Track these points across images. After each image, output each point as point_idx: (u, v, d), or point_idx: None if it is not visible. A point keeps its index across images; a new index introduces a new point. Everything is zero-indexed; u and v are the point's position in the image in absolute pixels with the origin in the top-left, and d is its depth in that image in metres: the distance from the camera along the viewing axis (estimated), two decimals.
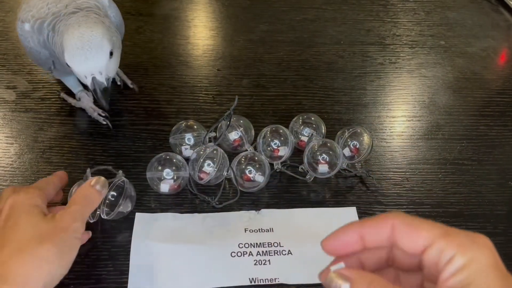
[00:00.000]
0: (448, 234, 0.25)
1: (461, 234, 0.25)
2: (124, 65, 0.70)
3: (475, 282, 0.23)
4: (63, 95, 0.64)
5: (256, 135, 0.57)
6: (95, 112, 0.61)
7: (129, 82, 0.66)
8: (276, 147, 0.56)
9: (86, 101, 0.62)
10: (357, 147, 0.56)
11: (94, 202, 0.43)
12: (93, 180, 0.44)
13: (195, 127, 0.57)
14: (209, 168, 0.52)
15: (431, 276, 0.26)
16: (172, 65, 0.71)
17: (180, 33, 0.78)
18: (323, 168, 0.54)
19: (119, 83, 0.66)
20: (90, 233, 0.47)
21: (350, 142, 0.56)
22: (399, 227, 0.26)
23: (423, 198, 0.55)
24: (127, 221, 0.50)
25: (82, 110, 0.62)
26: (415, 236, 0.25)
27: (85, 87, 0.63)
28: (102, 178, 0.44)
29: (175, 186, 0.52)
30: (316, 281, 0.46)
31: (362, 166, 0.57)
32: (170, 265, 0.46)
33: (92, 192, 0.43)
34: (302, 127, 0.58)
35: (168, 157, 0.52)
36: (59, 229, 0.39)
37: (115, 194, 0.49)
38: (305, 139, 0.58)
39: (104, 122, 0.61)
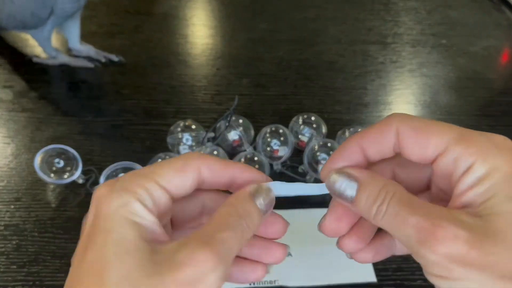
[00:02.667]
0: (464, 138, 0.21)
1: (479, 137, 0.21)
2: (122, 65, 0.69)
3: (499, 194, 0.20)
4: (36, 59, 0.67)
5: (256, 135, 0.57)
6: (79, 61, 0.66)
7: (113, 56, 0.68)
8: (276, 147, 0.55)
9: (64, 56, 0.66)
10: None
11: (251, 228, 0.23)
12: (252, 188, 0.24)
13: (194, 127, 0.56)
14: None
15: (440, 194, 0.23)
16: (171, 64, 0.71)
17: (179, 32, 0.77)
18: None
19: (103, 60, 0.68)
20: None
21: None
22: (405, 133, 0.22)
23: None
24: None
25: (77, 105, 0.62)
26: (424, 143, 0.21)
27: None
28: (266, 186, 0.24)
29: None
30: (316, 283, 0.46)
31: None
32: None
33: (251, 210, 0.23)
34: (302, 127, 0.58)
35: (168, 157, 0.52)
36: (170, 283, 0.19)
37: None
38: (305, 139, 0.57)
39: (92, 65, 0.64)
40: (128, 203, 0.21)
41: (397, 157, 0.24)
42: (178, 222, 0.25)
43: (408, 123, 0.22)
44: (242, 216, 0.22)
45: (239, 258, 0.25)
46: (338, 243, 0.25)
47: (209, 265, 0.19)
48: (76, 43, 0.69)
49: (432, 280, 0.20)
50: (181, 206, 0.25)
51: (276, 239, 0.25)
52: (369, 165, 0.24)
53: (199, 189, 0.24)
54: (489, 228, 0.19)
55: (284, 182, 0.25)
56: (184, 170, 0.23)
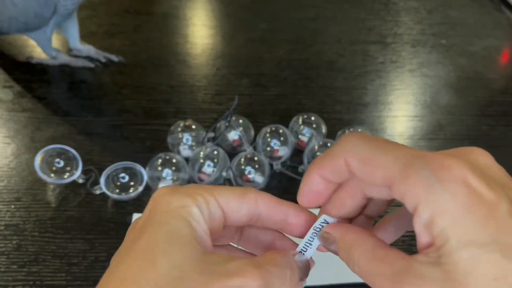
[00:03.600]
0: (407, 173, 0.19)
1: (422, 172, 0.19)
2: (122, 65, 0.69)
3: (450, 240, 0.18)
4: (36, 59, 0.67)
5: (256, 135, 0.57)
6: (79, 61, 0.66)
7: (113, 56, 0.69)
8: (276, 147, 0.55)
9: (64, 56, 0.67)
10: None
11: (290, 283, 0.22)
12: (295, 253, 0.24)
13: (194, 127, 0.56)
14: (209, 168, 0.52)
15: None
16: (170, 64, 0.71)
17: (179, 32, 0.77)
18: None
19: (103, 60, 0.69)
20: None
21: None
22: (352, 165, 0.22)
23: None
24: (125, 222, 0.50)
25: (75, 106, 0.62)
26: (371, 176, 0.21)
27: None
28: (303, 259, 0.24)
29: None
30: (316, 282, 0.46)
31: None
32: None
33: (295, 268, 0.23)
34: (302, 127, 0.58)
35: (168, 157, 0.52)
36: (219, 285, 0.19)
37: (126, 176, 0.51)
38: (305, 139, 0.57)
39: (92, 65, 0.66)
40: (188, 205, 0.22)
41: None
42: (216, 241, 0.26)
43: (356, 154, 0.21)
44: (289, 268, 0.22)
45: None
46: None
47: (255, 284, 0.20)
48: (76, 43, 0.69)
49: None
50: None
51: None
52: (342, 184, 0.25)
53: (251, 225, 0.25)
54: (448, 280, 0.18)
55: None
56: (243, 197, 0.24)
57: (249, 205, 0.24)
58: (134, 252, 0.20)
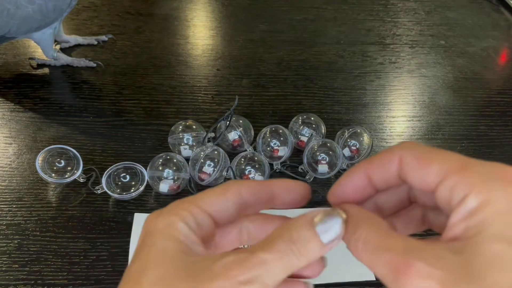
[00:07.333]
0: (464, 167, 0.20)
1: (480, 167, 0.19)
2: (123, 65, 0.70)
3: (486, 231, 0.18)
4: (37, 60, 0.68)
5: (256, 135, 0.57)
6: (81, 61, 0.67)
7: (103, 37, 0.72)
8: (275, 147, 0.55)
9: (65, 57, 0.68)
10: (357, 147, 0.56)
11: (303, 254, 0.21)
12: (318, 215, 0.22)
13: (194, 127, 0.57)
14: (209, 168, 0.52)
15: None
16: (171, 65, 0.71)
17: (180, 33, 0.78)
18: (323, 168, 0.54)
19: (95, 42, 0.72)
20: None
21: (350, 142, 0.56)
22: (407, 160, 0.21)
23: None
24: (126, 222, 0.50)
25: (77, 109, 0.62)
26: (425, 170, 0.21)
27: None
28: (339, 216, 0.22)
29: (175, 187, 0.52)
30: (315, 281, 0.46)
31: None
32: None
33: (308, 236, 0.21)
34: (301, 127, 0.58)
35: (169, 157, 0.52)
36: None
37: (127, 176, 0.51)
38: (304, 139, 0.58)
39: (95, 64, 0.67)
40: (173, 223, 0.22)
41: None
42: (224, 247, 0.26)
43: (411, 151, 0.21)
44: (294, 241, 0.21)
45: None
46: None
47: (241, 279, 0.20)
48: (62, 35, 0.71)
49: None
50: (226, 231, 0.25)
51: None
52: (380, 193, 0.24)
53: (244, 215, 0.25)
54: (468, 267, 0.18)
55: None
56: (225, 194, 0.24)
57: (233, 199, 0.24)
58: (126, 277, 0.22)
